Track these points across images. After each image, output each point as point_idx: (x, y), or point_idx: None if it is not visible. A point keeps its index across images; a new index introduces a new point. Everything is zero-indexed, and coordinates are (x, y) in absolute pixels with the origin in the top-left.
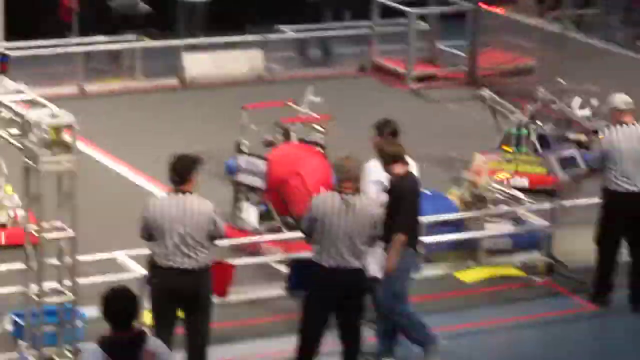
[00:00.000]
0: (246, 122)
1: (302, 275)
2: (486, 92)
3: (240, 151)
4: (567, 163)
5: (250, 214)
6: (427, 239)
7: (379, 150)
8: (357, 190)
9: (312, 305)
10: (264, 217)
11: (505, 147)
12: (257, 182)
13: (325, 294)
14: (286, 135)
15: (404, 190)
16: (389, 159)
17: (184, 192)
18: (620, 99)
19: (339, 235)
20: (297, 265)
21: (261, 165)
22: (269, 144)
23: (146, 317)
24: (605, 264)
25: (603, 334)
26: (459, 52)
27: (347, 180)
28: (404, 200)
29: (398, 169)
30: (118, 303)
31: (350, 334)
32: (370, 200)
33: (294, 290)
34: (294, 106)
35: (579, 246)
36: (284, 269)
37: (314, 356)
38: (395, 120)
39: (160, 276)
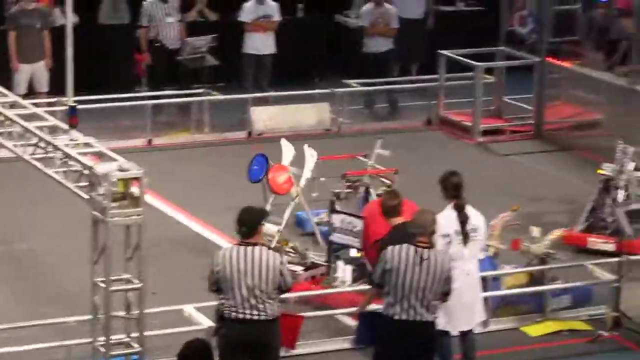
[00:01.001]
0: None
1: (371, 328)
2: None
3: (334, 210)
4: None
5: (346, 273)
6: (491, 293)
7: (381, 204)
8: (431, 245)
9: (383, 357)
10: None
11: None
12: (353, 241)
13: (396, 347)
14: (353, 188)
15: (392, 241)
16: (390, 212)
17: (251, 245)
18: None
19: (412, 288)
20: (366, 318)
21: (358, 224)
22: (337, 197)
23: None
24: None
25: None
26: (525, 106)
27: (423, 234)
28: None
29: (397, 221)
30: (195, 355)
31: None
32: (444, 256)
33: (362, 343)
34: (363, 159)
35: None
36: (352, 322)
37: None
38: (458, 173)
39: (229, 328)
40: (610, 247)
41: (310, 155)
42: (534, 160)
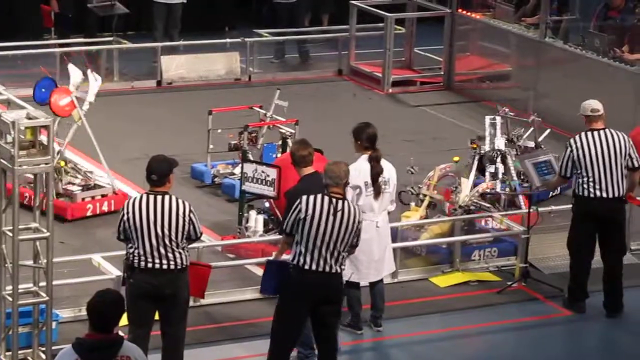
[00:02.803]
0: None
1: (276, 277)
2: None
3: (246, 160)
4: (544, 168)
5: (257, 222)
6: (401, 244)
7: (291, 154)
8: (344, 196)
9: (287, 307)
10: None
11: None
12: (266, 190)
13: (303, 298)
14: (251, 140)
15: (305, 191)
16: (300, 162)
17: (161, 193)
18: (589, 106)
19: (325, 238)
20: (272, 266)
21: (271, 173)
22: (235, 148)
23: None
24: (579, 270)
25: (576, 339)
26: (436, 57)
27: (337, 185)
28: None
29: (307, 171)
30: (104, 305)
31: (327, 339)
32: (356, 208)
33: (267, 292)
34: (260, 110)
35: (554, 252)
36: (260, 272)
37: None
38: (372, 125)
39: (138, 277)
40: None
41: (95, 80)
42: (444, 112)
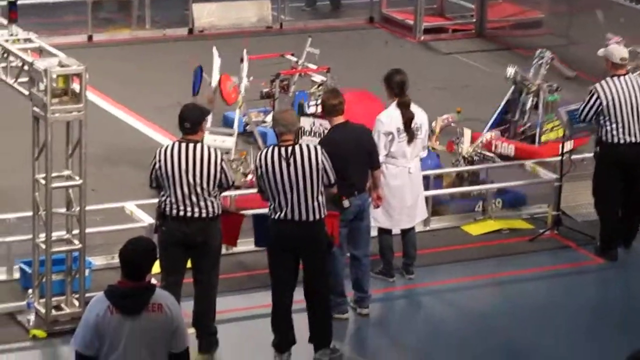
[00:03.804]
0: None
1: (264, 229)
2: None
3: (303, 113)
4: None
5: None
6: (432, 192)
7: (322, 103)
8: (296, 142)
9: (271, 258)
10: None
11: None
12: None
13: (280, 247)
14: (283, 88)
15: (336, 140)
16: (331, 111)
17: (193, 142)
18: (618, 53)
19: (285, 187)
20: (259, 220)
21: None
22: (268, 96)
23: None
24: (608, 217)
25: (608, 287)
26: (468, 4)
27: (287, 133)
28: (336, 151)
29: (337, 120)
30: (136, 253)
31: (318, 286)
32: (311, 149)
33: (260, 244)
34: (292, 58)
35: (586, 199)
36: None
37: (287, 309)
38: (403, 71)
39: (170, 225)
40: (511, 150)
41: (246, 60)
42: (476, 59)
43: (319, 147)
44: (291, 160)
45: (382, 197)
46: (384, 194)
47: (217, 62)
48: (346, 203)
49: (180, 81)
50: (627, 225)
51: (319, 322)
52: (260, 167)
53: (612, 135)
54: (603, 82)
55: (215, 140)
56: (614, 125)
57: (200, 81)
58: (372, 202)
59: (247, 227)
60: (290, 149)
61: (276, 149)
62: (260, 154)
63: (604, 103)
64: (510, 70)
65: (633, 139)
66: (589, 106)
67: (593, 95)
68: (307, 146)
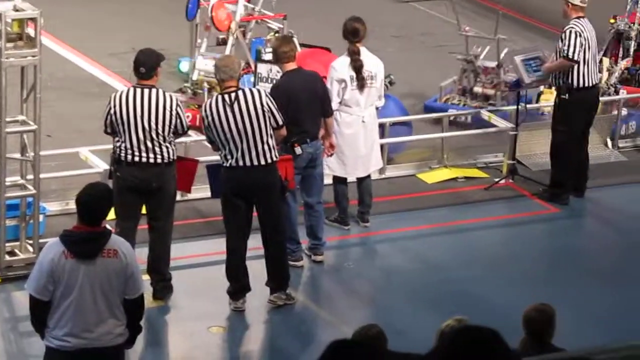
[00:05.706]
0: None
1: (217, 179)
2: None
3: (260, 59)
4: (533, 64)
5: None
6: (387, 140)
7: (273, 50)
8: (238, 88)
9: (224, 205)
10: None
11: None
12: None
13: (232, 193)
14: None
15: (287, 87)
16: (282, 58)
17: (148, 87)
18: None
19: (233, 135)
20: (212, 170)
21: None
22: (223, 43)
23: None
24: (565, 159)
25: (563, 235)
26: None
27: (230, 79)
28: (287, 97)
29: (289, 67)
30: (92, 198)
31: (274, 229)
32: (254, 92)
33: (215, 195)
34: (248, 5)
35: (541, 149)
36: None
37: (241, 256)
38: (360, 19)
39: (124, 170)
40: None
41: None
42: (432, 7)
43: (262, 90)
44: (235, 106)
45: (334, 145)
46: (337, 142)
47: None
48: (298, 150)
49: (136, 27)
50: (578, 171)
51: (275, 265)
52: (207, 117)
53: (584, 79)
54: (576, 21)
55: (207, 65)
56: (585, 68)
57: (198, 6)
58: (325, 150)
59: (201, 173)
60: (233, 95)
61: (219, 97)
62: (205, 105)
63: (585, 43)
64: None
65: (594, 82)
66: (578, 45)
67: (575, 33)
68: (250, 90)
